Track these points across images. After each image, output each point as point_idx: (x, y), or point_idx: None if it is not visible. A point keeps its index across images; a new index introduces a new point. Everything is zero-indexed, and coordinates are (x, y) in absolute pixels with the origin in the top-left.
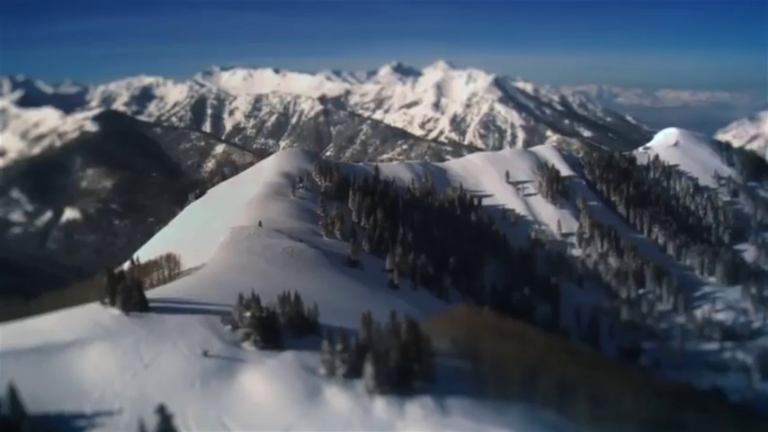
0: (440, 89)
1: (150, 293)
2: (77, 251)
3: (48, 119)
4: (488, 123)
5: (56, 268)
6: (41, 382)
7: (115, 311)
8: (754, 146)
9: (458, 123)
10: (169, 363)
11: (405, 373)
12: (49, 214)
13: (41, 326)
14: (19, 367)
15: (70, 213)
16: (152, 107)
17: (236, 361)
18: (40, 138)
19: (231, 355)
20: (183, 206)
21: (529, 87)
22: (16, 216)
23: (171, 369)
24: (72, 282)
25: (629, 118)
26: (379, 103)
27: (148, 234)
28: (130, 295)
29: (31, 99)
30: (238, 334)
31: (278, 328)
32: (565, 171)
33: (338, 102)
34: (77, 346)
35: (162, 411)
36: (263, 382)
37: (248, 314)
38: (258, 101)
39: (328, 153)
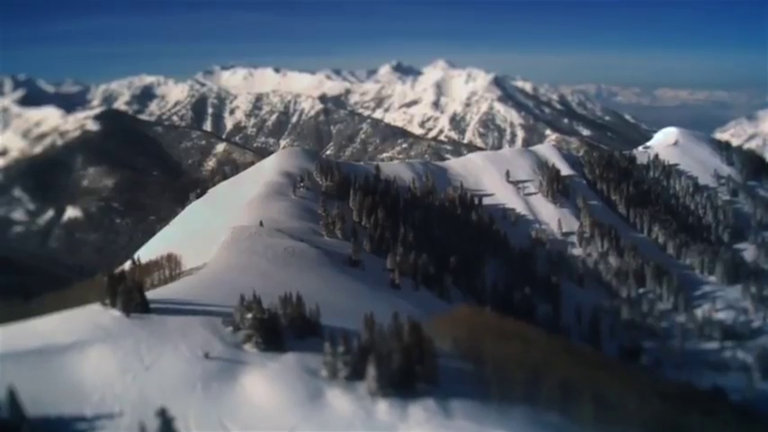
0: (439, 88)
1: (151, 294)
2: (79, 250)
3: (49, 118)
4: (488, 122)
5: (57, 267)
6: (41, 385)
7: (116, 313)
8: (752, 145)
9: (457, 122)
10: (170, 365)
11: (407, 375)
12: (50, 213)
13: (41, 327)
14: (19, 369)
15: (72, 212)
16: (153, 106)
17: (238, 363)
18: (42, 137)
19: (232, 357)
20: (183, 205)
21: (528, 86)
22: (18, 215)
23: (172, 371)
24: (74, 280)
25: (627, 117)
26: (379, 101)
27: (149, 232)
28: (131, 296)
29: (32, 98)
30: (239, 336)
31: (279, 329)
32: (565, 170)
33: (338, 101)
34: (78, 348)
35: (163, 414)
36: (264, 385)
37: (249, 316)
38: (259, 100)
39: (328, 152)
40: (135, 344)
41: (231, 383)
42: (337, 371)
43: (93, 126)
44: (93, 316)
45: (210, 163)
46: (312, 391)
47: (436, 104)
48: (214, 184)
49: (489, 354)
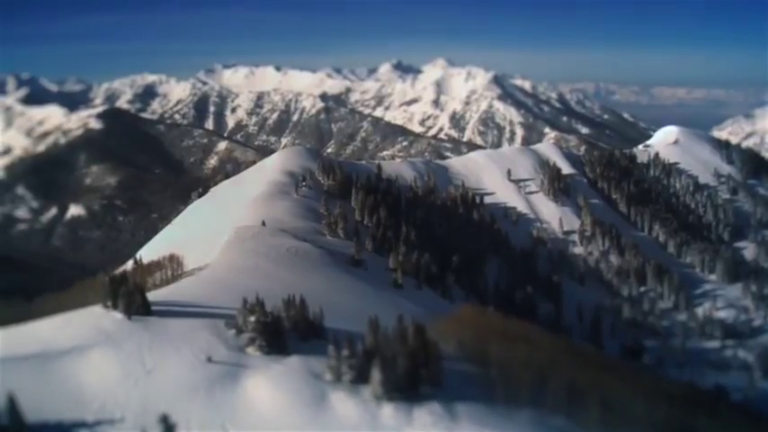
0: (439, 87)
1: (153, 295)
2: (82, 247)
3: (52, 116)
4: (487, 120)
5: (60, 265)
6: (41, 390)
7: (117, 315)
8: (749, 143)
9: (457, 120)
10: (172, 369)
11: (412, 378)
12: (53, 211)
13: (42, 330)
14: (18, 374)
15: (75, 210)
16: (155, 105)
17: (241, 367)
18: (45, 135)
19: (236, 360)
20: (186, 203)
21: (527, 85)
22: (21, 213)
23: (174, 375)
24: (76, 278)
25: (626, 115)
26: (380, 100)
27: (152, 230)
28: (133, 298)
29: (35, 97)
30: (243, 339)
31: (283, 332)
32: (566, 169)
33: (339, 99)
34: (78, 352)
35: (165, 420)
36: (268, 389)
37: (253, 318)
38: (260, 98)
39: (329, 150)
40: (137, 347)
41: (234, 387)
42: (342, 374)
43: (95, 124)
44: (94, 318)
45: (212, 161)
46: (316, 394)
47: (436, 103)
48: (216, 183)
49: (494, 356)
